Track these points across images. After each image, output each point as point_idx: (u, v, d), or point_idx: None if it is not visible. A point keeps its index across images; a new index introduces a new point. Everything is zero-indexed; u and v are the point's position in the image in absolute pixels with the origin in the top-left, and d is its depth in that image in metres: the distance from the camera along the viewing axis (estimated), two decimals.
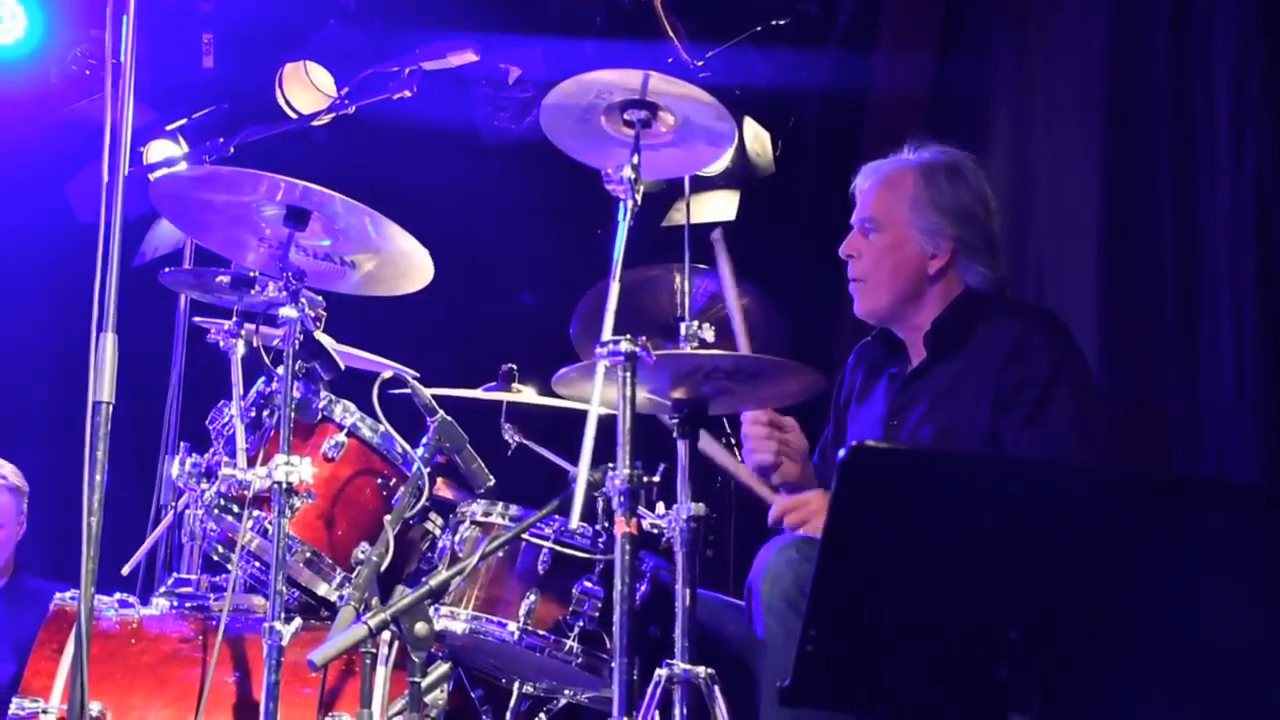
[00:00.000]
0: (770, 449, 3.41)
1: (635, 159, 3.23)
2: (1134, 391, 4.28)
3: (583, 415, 3.00)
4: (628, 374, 3.00)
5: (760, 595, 3.13)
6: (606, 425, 3.00)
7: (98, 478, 2.80)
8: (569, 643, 3.29)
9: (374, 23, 5.53)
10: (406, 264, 3.61)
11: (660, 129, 3.33)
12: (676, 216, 5.55)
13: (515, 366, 4.17)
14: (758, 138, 5.77)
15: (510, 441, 4.12)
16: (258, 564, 3.57)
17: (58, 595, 3.45)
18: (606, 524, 3.30)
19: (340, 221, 3.48)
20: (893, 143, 3.67)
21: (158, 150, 5.58)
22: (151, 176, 4.98)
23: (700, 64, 5.40)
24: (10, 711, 3.28)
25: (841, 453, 2.19)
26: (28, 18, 5.60)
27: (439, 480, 3.72)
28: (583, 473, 2.94)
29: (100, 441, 2.80)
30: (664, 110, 3.30)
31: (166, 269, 3.87)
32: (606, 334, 3.02)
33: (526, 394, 4.16)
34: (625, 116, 3.30)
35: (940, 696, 2.40)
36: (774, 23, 5.53)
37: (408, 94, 4.52)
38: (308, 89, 5.69)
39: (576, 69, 3.31)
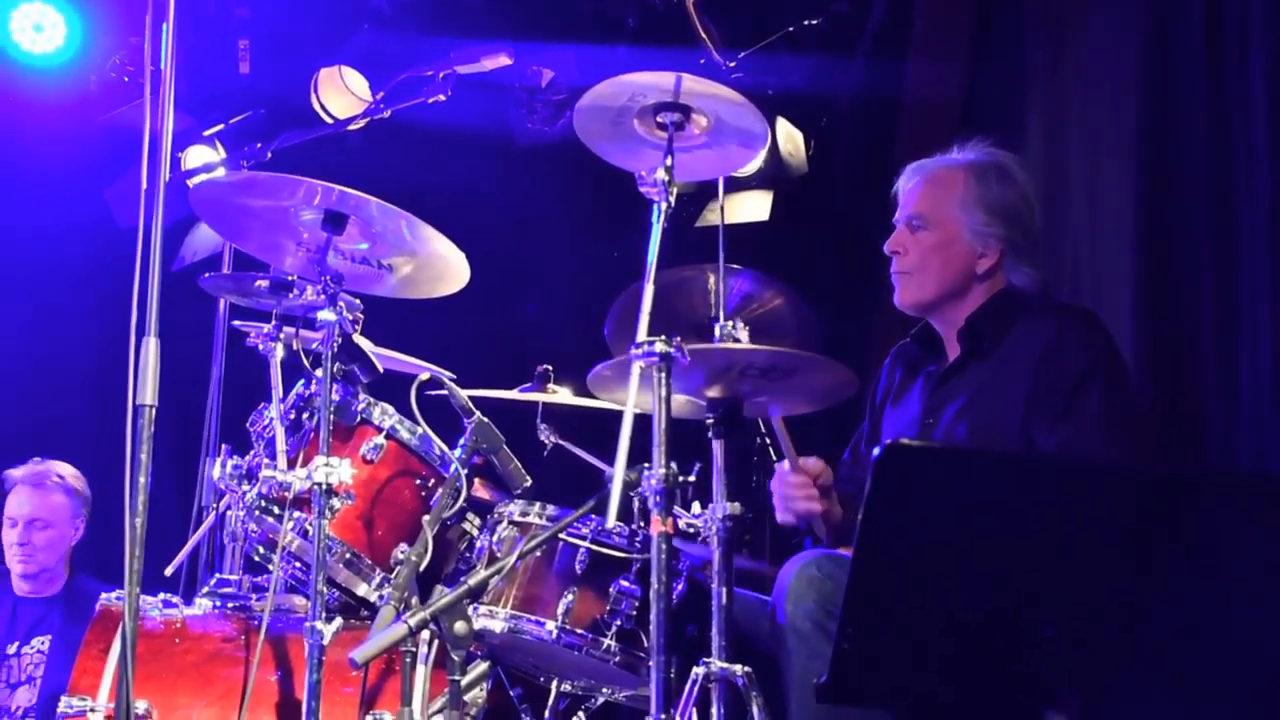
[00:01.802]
0: (815, 495, 3.42)
1: (669, 161, 3.25)
2: (1171, 386, 4.27)
3: (617, 415, 3.02)
4: (662, 374, 3.02)
5: (785, 615, 3.13)
6: (642, 425, 3.02)
7: (141, 480, 2.84)
8: (606, 641, 3.31)
9: (408, 28, 5.56)
10: (443, 267, 3.64)
11: (693, 131, 3.35)
12: (710, 217, 5.57)
13: (551, 368, 4.20)
14: (790, 138, 5.78)
15: (546, 442, 4.14)
16: (298, 564, 3.60)
17: (103, 595, 3.50)
18: (643, 523, 3.32)
19: (377, 225, 3.51)
20: (926, 143, 3.68)
21: (196, 156, 5.64)
22: (190, 182, 5.05)
23: (732, 65, 5.42)
24: (59, 710, 3.33)
25: (875, 451, 2.21)
26: (67, 26, 5.68)
27: (476, 481, 3.74)
28: (619, 472, 2.96)
29: (143, 444, 2.85)
30: (697, 112, 3.32)
31: (206, 274, 3.91)
32: (641, 335, 3.04)
33: (562, 395, 4.18)
34: (658, 119, 3.32)
35: (976, 694, 2.41)
36: (806, 24, 5.54)
37: (442, 98, 4.55)
38: (343, 94, 5.73)
39: (609, 72, 3.32)
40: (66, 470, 5.20)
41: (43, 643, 4.95)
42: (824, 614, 3.03)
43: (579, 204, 5.81)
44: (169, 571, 3.98)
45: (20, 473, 5.16)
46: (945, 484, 2.25)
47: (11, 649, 4.93)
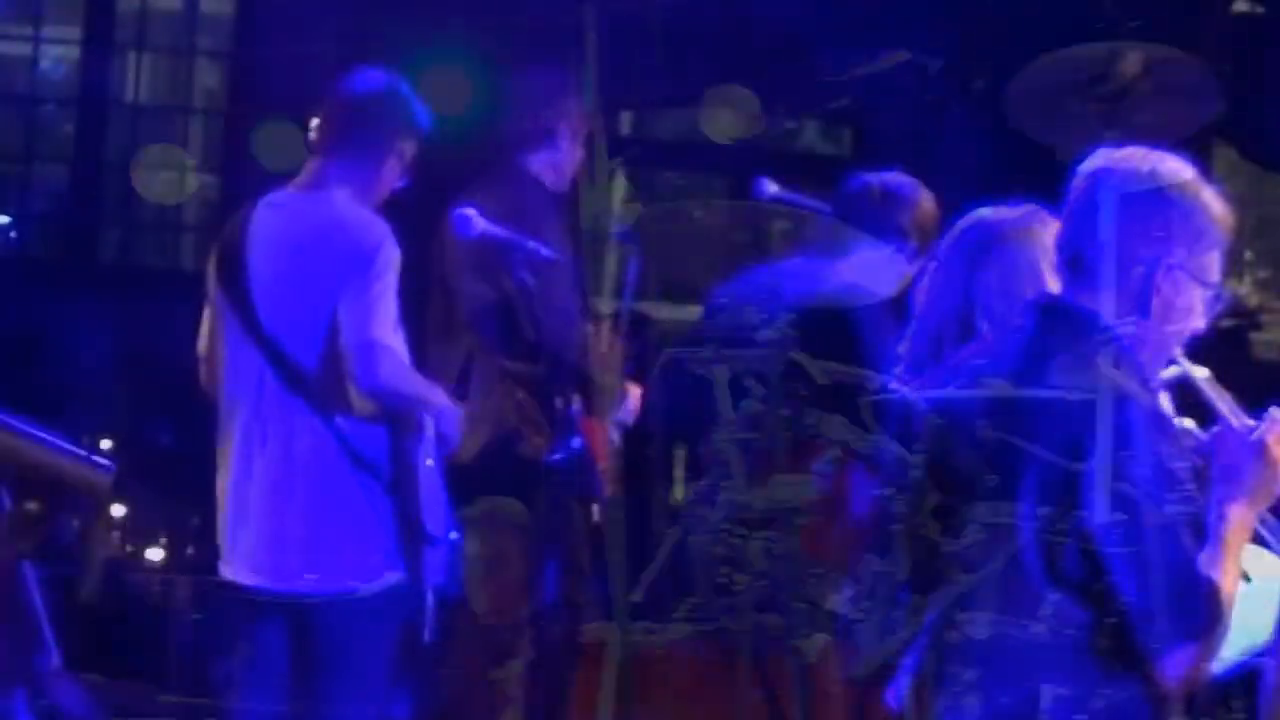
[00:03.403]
0: None
1: (1112, 135, 3.11)
2: None
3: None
4: None
5: None
6: None
7: (618, 515, 2.93)
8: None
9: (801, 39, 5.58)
10: (875, 270, 3.61)
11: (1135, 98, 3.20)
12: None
13: None
14: None
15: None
16: (764, 582, 3.62)
17: (587, 626, 3.64)
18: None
19: (805, 232, 3.52)
20: None
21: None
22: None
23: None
24: None
25: None
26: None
27: None
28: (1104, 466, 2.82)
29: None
30: (1135, 78, 3.17)
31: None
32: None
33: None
34: (1094, 91, 3.19)
35: None
36: None
37: (846, 101, 4.54)
38: (730, 113, 5.82)
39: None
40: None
41: None
42: None
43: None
44: (637, 596, 4.07)
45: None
46: None
47: None
